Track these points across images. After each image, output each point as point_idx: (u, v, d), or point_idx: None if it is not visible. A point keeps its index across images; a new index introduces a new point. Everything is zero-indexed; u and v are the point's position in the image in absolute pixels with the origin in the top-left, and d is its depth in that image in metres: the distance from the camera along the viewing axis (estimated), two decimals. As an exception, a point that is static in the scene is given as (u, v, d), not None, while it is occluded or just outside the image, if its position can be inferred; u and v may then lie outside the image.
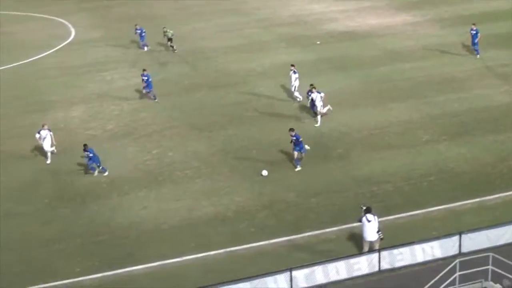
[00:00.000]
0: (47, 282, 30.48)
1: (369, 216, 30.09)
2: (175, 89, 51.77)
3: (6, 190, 38.35)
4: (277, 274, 28.90)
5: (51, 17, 72.11)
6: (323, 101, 43.73)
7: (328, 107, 44.44)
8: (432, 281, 27.29)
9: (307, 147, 38.87)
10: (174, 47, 58.14)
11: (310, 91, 43.88)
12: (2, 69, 57.17)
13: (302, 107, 46.24)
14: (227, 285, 28.47)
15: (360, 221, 30.41)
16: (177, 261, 31.57)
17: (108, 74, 55.13)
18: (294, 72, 47.49)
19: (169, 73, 54.73)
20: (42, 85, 53.47)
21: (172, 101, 49.31)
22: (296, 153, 38.66)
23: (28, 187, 38.64)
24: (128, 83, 53.30)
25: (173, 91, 51.32)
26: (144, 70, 49.00)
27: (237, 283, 28.55)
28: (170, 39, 57.22)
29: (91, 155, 39.21)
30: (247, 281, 28.62)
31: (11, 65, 57.63)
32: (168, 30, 56.92)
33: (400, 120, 44.32)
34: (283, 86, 49.58)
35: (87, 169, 39.76)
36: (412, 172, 37.88)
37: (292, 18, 68.32)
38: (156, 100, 48.66)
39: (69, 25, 68.73)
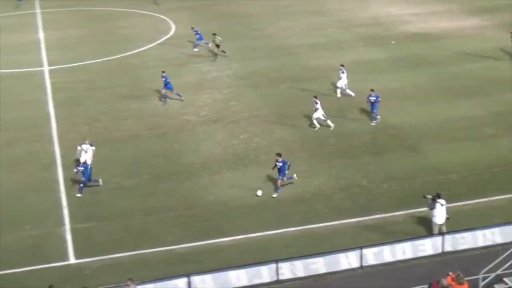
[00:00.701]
0: (144, 249, 31.09)
1: (441, 200, 29.94)
2: (262, 80, 51.82)
3: (117, 166, 39.14)
4: (348, 251, 28.93)
5: (155, 14, 72.91)
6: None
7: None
8: (491, 265, 26.87)
9: (295, 176, 35.83)
10: (225, 51, 56.75)
11: (370, 95, 43.01)
12: (112, 58, 58.13)
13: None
14: (304, 259, 28.59)
15: (433, 207, 30.09)
16: (259, 235, 31.81)
17: (203, 66, 55.47)
18: (343, 72, 47.09)
19: (257, 67, 54.77)
20: (145, 74, 54.15)
21: (259, 92, 49.37)
22: (279, 180, 35.16)
23: (131, 165, 39.29)
24: (220, 74, 53.57)
25: (261, 83, 51.38)
26: (163, 71, 48.60)
27: (312, 257, 28.63)
28: (217, 45, 56.22)
29: (81, 169, 35.83)
30: (321, 256, 28.67)
31: (120, 56, 58.54)
32: (217, 37, 56.20)
33: (466, 116, 43.47)
34: (358, 81, 49.15)
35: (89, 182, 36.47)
36: (477, 164, 37.23)
37: (369, 20, 67.48)
38: (182, 98, 48.04)
39: (170, 22, 69.34)
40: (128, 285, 26.39)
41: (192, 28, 61.31)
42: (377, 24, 65.77)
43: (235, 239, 31.65)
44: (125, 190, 36.47)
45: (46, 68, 56.49)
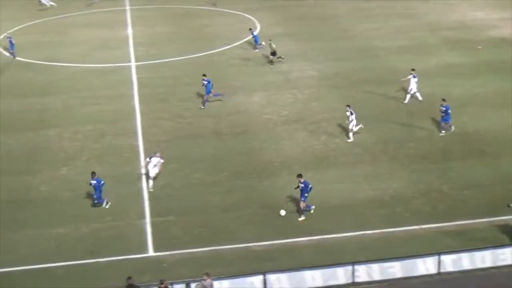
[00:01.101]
0: (221, 245, 31.21)
1: None
2: (344, 82, 51.38)
3: (198, 162, 39.35)
4: (426, 257, 28.44)
5: (240, 13, 73.30)
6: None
7: (360, 125, 42.15)
8: None
9: (313, 207, 33.50)
10: (282, 56, 55.84)
11: (441, 104, 41.77)
12: (197, 56, 58.67)
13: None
14: (380, 262, 28.22)
15: None
16: (336, 237, 31.54)
17: (286, 66, 55.39)
18: (414, 77, 46.04)
19: (340, 68, 54.37)
20: (229, 72, 54.47)
21: (341, 93, 48.92)
22: (302, 203, 33.23)
23: (212, 161, 39.48)
24: (302, 74, 53.39)
25: (343, 84, 50.94)
26: (204, 75, 48.26)
27: (389, 261, 28.25)
28: (273, 52, 55.39)
29: (94, 182, 34.48)
30: (398, 261, 28.28)
31: (204, 53, 59.02)
32: (272, 43, 55.54)
33: (552, 124, 42.19)
34: (442, 85, 48.21)
35: (94, 201, 34.93)
36: (562, 174, 36.05)
37: (456, 23, 66.23)
38: (203, 107, 47.17)
39: (255, 21, 69.62)
40: (205, 280, 26.54)
41: (250, 29, 61.47)
42: (464, 28, 64.51)
43: (312, 239, 31.46)
44: (205, 186, 36.69)
45: (133, 64, 57.45)
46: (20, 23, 72.25)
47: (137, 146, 41.63)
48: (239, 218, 33.46)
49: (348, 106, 41.58)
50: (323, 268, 28.17)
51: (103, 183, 34.65)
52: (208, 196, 35.62)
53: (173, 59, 57.85)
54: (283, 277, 27.88)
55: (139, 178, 37.65)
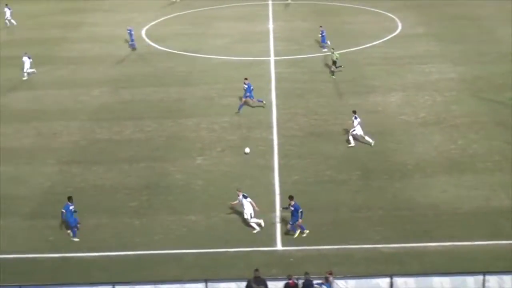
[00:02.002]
0: (349, 244, 31.11)
1: None
2: (487, 86, 49.70)
3: (331, 159, 39.35)
4: None
5: (382, 11, 72.51)
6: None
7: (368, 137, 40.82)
8: None
9: (306, 231, 31.76)
10: (342, 66, 53.72)
11: None
12: (338, 53, 58.48)
13: None
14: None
15: None
16: (468, 244, 30.76)
17: (426, 67, 54.34)
18: None
19: (483, 72, 52.64)
20: (368, 71, 54.04)
21: (482, 98, 47.42)
22: (289, 225, 31.82)
23: (344, 159, 39.35)
24: (443, 76, 52.19)
25: (485, 89, 49.28)
26: (245, 79, 46.89)
27: (523, 274, 27.28)
28: (334, 62, 53.34)
29: (63, 211, 32.04)
30: (532, 274, 27.23)
31: (344, 51, 58.72)
32: (335, 53, 53.56)
33: None
34: None
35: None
36: None
37: None
38: (263, 104, 46.67)
39: (397, 20, 68.67)
40: (327, 277, 26.52)
41: (321, 26, 60.49)
42: None
43: (442, 245, 30.79)
44: (336, 184, 36.64)
45: (272, 58, 58.06)
46: (163, 14, 74.57)
47: (271, 140, 42.06)
48: (368, 218, 33.20)
49: (354, 112, 40.91)
50: (453, 276, 27.47)
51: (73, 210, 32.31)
52: (338, 194, 35.55)
53: (311, 55, 58.03)
54: (410, 281, 27.41)
55: (271, 171, 38.08)
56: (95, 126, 44.84)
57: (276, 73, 54.33)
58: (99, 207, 34.99)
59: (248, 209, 32.42)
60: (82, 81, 53.76)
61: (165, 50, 61.44)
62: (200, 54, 59.83)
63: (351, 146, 40.54)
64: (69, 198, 32.46)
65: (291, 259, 30.22)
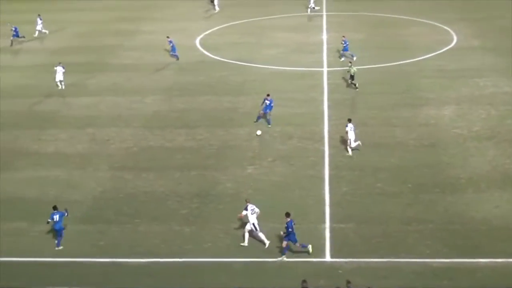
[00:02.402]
0: (399, 258, 30.77)
1: None
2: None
3: (382, 172, 38.98)
4: None
5: (437, 24, 71.71)
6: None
7: (358, 142, 40.72)
8: None
9: (310, 248, 31.08)
10: (356, 84, 52.75)
11: None
12: (389, 65, 58.05)
13: None
14: None
15: None
16: (521, 262, 30.14)
17: (481, 81, 53.53)
18: None
19: None
20: (422, 83, 53.43)
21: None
22: (284, 242, 30.87)
23: (395, 172, 38.93)
24: (498, 90, 51.36)
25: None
26: (268, 95, 46.18)
27: None
28: (352, 76, 52.30)
29: (49, 220, 32.26)
30: None
31: (396, 63, 58.25)
32: (352, 67, 52.53)
33: None
34: None
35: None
36: None
37: None
38: (269, 126, 45.53)
39: (452, 33, 67.83)
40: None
41: (343, 36, 59.88)
42: None
43: (495, 262, 30.21)
44: (387, 197, 36.30)
45: (325, 69, 57.87)
46: (217, 23, 74.98)
47: (322, 151, 41.89)
48: (419, 232, 32.78)
49: (349, 120, 41.22)
50: (504, 293, 27.04)
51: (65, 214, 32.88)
52: (389, 207, 35.20)
53: (364, 66, 57.64)
54: (460, 297, 27.04)
55: (322, 182, 37.89)
56: (148, 133, 45.28)
57: (329, 84, 54.10)
58: (150, 214, 35.27)
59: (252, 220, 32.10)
60: (136, 88, 54.35)
61: (219, 59, 61.73)
62: (253, 63, 59.95)
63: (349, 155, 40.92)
64: (55, 207, 32.52)
65: (340, 271, 29.98)
